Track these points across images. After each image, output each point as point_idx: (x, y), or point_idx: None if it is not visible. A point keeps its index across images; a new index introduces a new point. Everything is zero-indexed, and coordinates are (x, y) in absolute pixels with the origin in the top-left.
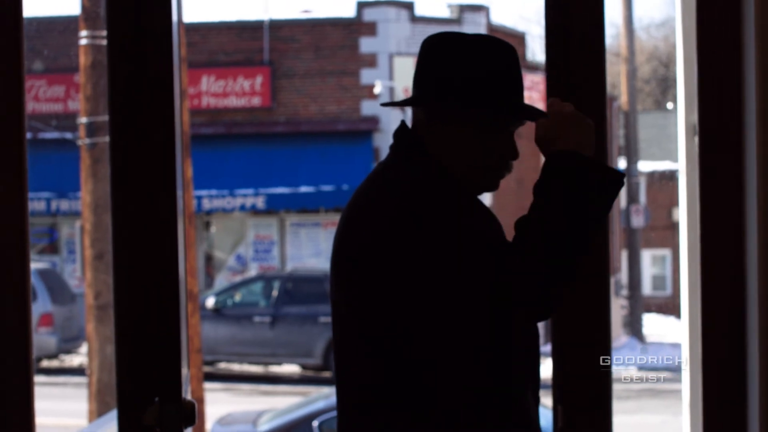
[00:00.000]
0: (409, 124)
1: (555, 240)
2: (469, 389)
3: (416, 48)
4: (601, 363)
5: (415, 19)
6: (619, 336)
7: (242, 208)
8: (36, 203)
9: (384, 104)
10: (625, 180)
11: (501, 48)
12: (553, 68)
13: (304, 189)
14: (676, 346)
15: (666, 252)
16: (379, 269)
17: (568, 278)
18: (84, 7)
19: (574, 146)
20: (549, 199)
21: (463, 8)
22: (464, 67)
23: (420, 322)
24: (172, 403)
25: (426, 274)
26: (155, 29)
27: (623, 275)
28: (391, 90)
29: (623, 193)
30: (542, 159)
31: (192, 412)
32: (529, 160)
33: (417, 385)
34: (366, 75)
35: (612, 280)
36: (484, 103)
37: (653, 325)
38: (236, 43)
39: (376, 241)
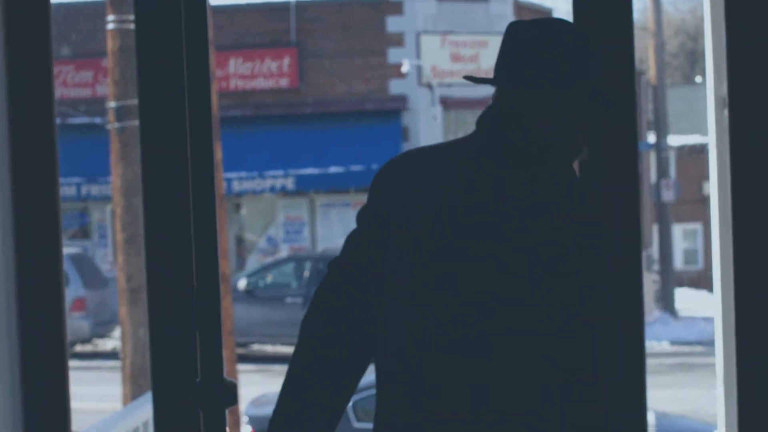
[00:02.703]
0: (437, 102)
1: None
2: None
3: (443, 26)
4: (634, 337)
5: None
6: (651, 311)
7: (272, 189)
8: (66, 188)
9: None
10: None
11: (589, 37)
12: None
13: (333, 169)
14: (709, 319)
15: (697, 226)
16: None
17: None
18: None
19: None
20: None
21: None
22: (579, 57)
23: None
24: (214, 383)
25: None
26: (185, 11)
27: (654, 250)
28: (419, 68)
29: (653, 168)
30: None
31: (234, 392)
32: None
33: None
34: (393, 54)
35: (643, 255)
36: (602, 93)
37: (685, 299)
38: (263, 25)
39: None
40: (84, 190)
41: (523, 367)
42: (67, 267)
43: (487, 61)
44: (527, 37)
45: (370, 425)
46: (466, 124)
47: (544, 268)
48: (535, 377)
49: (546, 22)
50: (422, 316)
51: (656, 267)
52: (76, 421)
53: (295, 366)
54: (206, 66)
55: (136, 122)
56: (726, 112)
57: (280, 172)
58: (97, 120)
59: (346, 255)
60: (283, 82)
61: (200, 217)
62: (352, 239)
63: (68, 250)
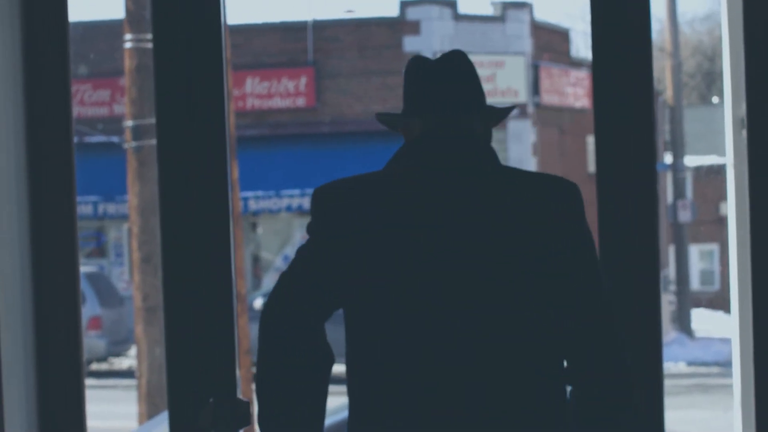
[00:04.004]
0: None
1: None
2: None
3: (460, 46)
4: (652, 358)
5: (458, 17)
6: (667, 331)
7: (288, 208)
8: (83, 207)
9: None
10: None
11: None
12: (599, 64)
13: None
14: (726, 340)
15: (714, 246)
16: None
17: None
18: (128, 11)
19: None
20: None
21: (507, 5)
22: None
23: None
24: (228, 403)
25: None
26: (203, 31)
27: (671, 270)
28: None
29: (670, 188)
30: (589, 154)
31: (246, 412)
32: (575, 156)
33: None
34: None
35: (660, 276)
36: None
37: (702, 320)
38: (280, 45)
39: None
40: (101, 208)
41: (514, 365)
42: (84, 285)
43: (503, 81)
44: (453, 67)
45: None
46: None
47: (527, 267)
48: (526, 375)
49: (455, 53)
50: (416, 323)
51: (673, 288)
52: None
53: (269, 381)
54: (222, 85)
55: (153, 141)
56: (744, 132)
57: (296, 191)
58: (114, 139)
59: (300, 266)
60: (300, 102)
61: (216, 235)
62: (306, 250)
63: (84, 268)
